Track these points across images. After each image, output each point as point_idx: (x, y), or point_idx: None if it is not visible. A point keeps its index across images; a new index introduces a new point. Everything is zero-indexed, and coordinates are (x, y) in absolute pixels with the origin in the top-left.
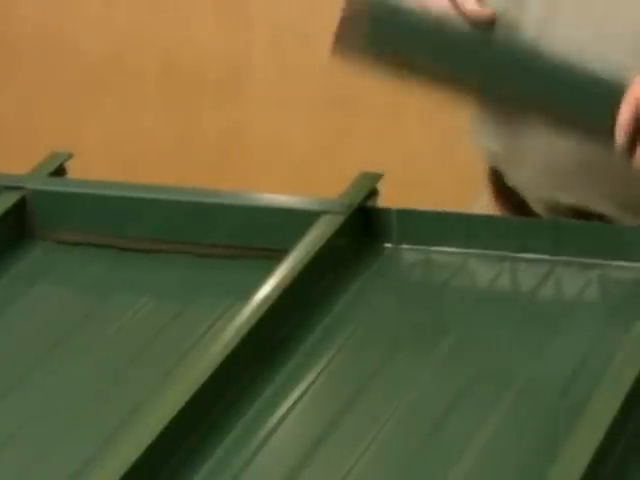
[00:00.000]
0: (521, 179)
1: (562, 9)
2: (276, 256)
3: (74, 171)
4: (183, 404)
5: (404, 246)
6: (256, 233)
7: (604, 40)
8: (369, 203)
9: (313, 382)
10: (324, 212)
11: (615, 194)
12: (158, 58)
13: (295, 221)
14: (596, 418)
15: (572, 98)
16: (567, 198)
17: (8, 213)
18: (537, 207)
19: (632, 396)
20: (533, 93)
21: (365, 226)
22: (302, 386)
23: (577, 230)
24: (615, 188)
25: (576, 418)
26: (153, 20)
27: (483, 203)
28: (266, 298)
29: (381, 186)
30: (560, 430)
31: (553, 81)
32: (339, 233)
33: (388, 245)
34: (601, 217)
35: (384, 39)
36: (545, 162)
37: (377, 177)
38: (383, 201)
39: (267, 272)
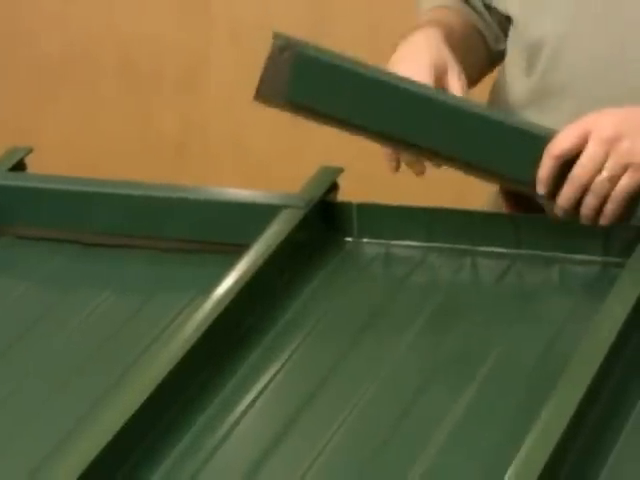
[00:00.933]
0: None
1: (584, 23)
2: (238, 250)
3: (33, 167)
4: (142, 401)
5: (365, 240)
6: (217, 228)
7: (626, 57)
8: (329, 197)
9: (275, 376)
10: (285, 206)
11: None
12: (117, 55)
13: (256, 216)
14: (564, 400)
15: (496, 149)
16: None
17: None
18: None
19: (597, 381)
20: (458, 144)
21: (326, 220)
22: (263, 380)
23: (537, 224)
24: None
25: (542, 403)
26: (111, 17)
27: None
28: (227, 292)
29: (341, 180)
30: (527, 417)
31: (479, 132)
32: (300, 227)
33: (349, 239)
34: None
35: (305, 89)
36: None
37: (337, 171)
38: (343, 195)
39: (229, 266)
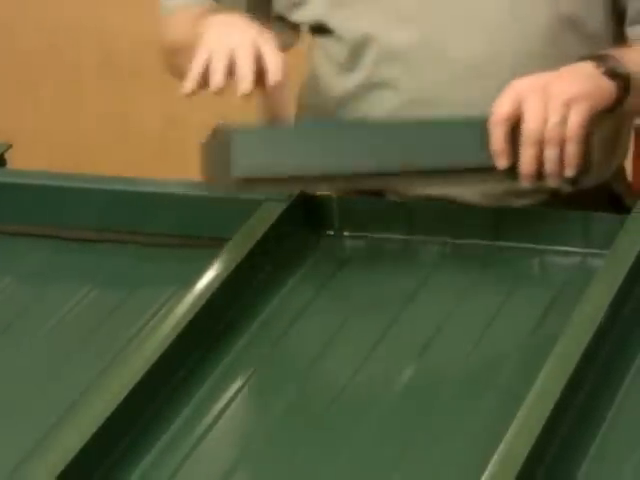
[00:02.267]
0: None
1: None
2: (219, 244)
3: (13, 162)
4: (121, 400)
5: (345, 233)
6: (199, 222)
7: (447, 54)
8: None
9: (255, 370)
10: (266, 200)
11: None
12: (95, 48)
13: (237, 210)
14: (549, 386)
15: (454, 149)
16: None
17: None
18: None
19: (577, 375)
20: (417, 158)
21: (306, 214)
22: (244, 376)
23: (517, 216)
24: None
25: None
26: (93, 11)
27: None
28: (208, 286)
29: None
30: (513, 403)
31: (437, 146)
32: (280, 221)
33: (330, 232)
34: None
35: (251, 162)
36: None
37: None
38: None
39: (210, 260)
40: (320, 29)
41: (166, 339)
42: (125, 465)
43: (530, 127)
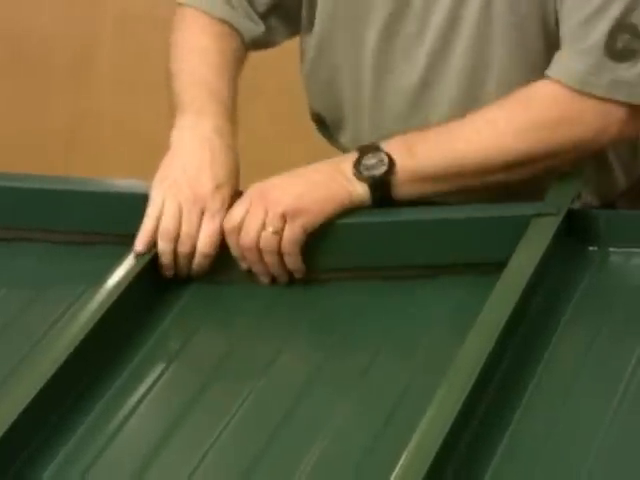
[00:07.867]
0: None
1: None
2: (128, 242)
3: None
4: (30, 399)
5: None
6: (107, 219)
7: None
8: None
9: (167, 367)
10: None
11: None
12: (3, 45)
13: (145, 206)
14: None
15: None
16: None
17: None
18: None
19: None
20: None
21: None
22: (155, 373)
23: None
24: None
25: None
26: None
27: None
28: (118, 284)
29: None
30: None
31: None
32: None
33: None
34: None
35: None
36: None
37: None
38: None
39: (119, 257)
40: None
41: (76, 338)
42: (37, 464)
43: (242, 237)
